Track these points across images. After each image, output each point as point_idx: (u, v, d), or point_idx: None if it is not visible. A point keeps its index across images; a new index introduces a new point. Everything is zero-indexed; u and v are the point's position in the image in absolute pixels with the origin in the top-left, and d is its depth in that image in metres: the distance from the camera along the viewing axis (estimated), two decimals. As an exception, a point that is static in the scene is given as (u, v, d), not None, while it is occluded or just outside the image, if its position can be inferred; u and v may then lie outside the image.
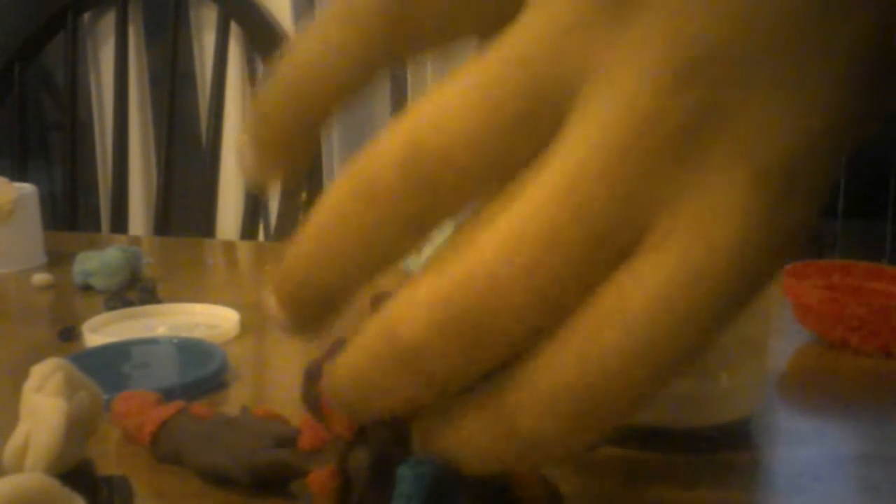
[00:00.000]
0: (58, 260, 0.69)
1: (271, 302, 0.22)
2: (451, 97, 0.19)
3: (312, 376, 0.27)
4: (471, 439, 0.20)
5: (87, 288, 0.61)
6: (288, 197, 1.11)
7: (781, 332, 0.49)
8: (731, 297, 0.18)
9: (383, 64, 0.21)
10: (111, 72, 1.25)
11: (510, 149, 0.19)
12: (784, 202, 0.18)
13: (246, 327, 0.51)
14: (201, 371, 0.42)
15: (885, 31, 0.18)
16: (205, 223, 1.17)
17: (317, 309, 0.22)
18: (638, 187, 0.18)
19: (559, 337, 0.19)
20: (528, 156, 0.19)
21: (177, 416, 0.32)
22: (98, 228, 1.38)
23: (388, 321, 0.20)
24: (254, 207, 1.16)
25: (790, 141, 0.17)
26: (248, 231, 1.15)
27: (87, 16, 1.31)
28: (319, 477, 0.27)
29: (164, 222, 1.19)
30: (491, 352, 0.19)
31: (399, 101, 1.20)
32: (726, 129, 0.17)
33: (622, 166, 0.18)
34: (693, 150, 0.17)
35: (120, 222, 1.24)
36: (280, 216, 1.14)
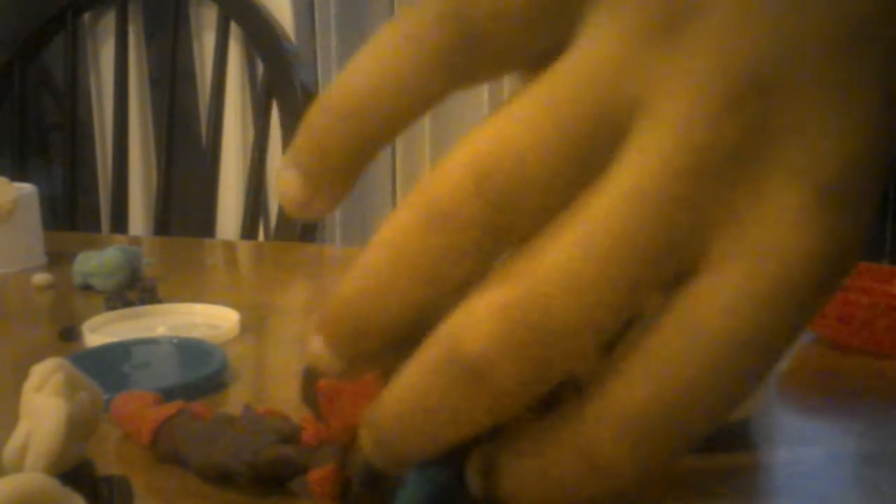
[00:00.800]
0: (58, 260, 0.69)
1: (317, 344, 0.21)
2: (515, 120, 0.19)
3: (310, 376, 0.27)
4: (554, 475, 0.20)
5: (87, 288, 0.61)
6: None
7: (781, 332, 0.49)
8: (802, 310, 0.19)
9: (442, 92, 0.20)
10: (111, 72, 1.25)
11: (574, 169, 0.19)
12: (843, 215, 0.18)
13: (246, 327, 0.51)
14: (201, 371, 0.42)
15: None
16: (205, 223, 1.17)
17: (374, 344, 0.21)
18: (695, 210, 0.18)
19: (628, 359, 0.19)
20: (587, 178, 0.19)
21: (177, 416, 0.32)
22: (98, 228, 1.38)
23: (448, 338, 0.19)
24: (254, 207, 1.16)
25: (843, 158, 0.18)
26: (248, 231, 1.15)
27: (87, 16, 1.31)
28: (320, 476, 0.27)
29: (164, 222, 1.19)
30: (556, 365, 0.19)
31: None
32: (781, 150, 0.18)
33: (679, 191, 0.18)
34: (748, 173, 0.18)
35: (120, 222, 1.24)
36: (280, 216, 1.14)
